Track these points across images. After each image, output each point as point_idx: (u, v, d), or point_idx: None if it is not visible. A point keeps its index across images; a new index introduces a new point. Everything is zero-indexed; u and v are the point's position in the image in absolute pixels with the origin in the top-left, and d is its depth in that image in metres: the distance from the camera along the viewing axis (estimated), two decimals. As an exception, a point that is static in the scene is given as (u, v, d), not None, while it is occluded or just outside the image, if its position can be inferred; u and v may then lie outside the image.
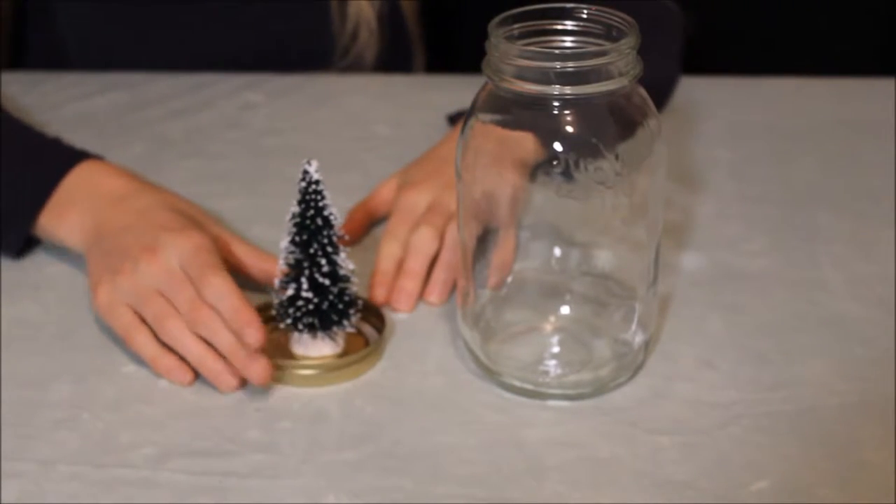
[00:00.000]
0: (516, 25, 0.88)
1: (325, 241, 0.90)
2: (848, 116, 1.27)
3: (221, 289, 0.91)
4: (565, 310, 0.96)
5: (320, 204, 0.89)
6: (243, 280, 0.96)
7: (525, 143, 0.89)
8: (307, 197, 0.89)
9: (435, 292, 1.00)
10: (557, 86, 0.84)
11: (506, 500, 0.82)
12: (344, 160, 1.18)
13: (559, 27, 0.88)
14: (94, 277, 0.96)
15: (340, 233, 0.91)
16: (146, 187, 1.02)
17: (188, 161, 1.20)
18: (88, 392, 0.91)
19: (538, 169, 0.89)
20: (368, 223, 1.08)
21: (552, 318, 0.96)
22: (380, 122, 1.26)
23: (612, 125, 0.87)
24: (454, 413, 0.90)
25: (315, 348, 0.93)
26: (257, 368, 0.89)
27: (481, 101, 0.89)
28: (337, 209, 0.90)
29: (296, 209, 0.90)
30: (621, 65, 0.85)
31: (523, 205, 0.94)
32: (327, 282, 0.91)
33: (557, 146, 0.87)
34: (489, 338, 0.94)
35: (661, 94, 1.18)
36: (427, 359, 0.95)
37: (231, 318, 0.90)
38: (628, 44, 0.85)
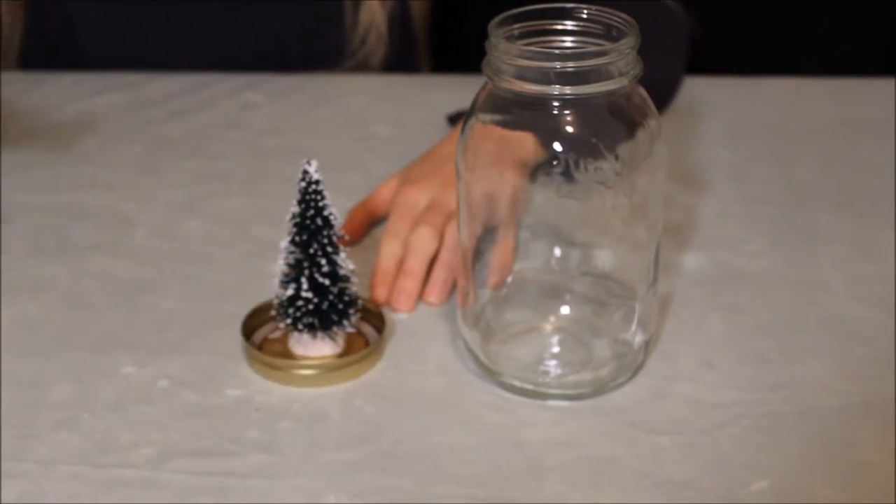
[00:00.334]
0: (516, 25, 0.88)
1: (325, 241, 0.90)
2: (848, 116, 1.27)
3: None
4: (565, 310, 0.96)
5: (320, 204, 0.89)
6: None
7: (525, 143, 0.89)
8: (307, 197, 0.89)
9: (434, 292, 1.00)
10: (557, 86, 0.84)
11: (506, 500, 0.82)
12: (344, 160, 1.18)
13: (559, 27, 0.88)
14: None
15: (340, 233, 0.91)
16: None
17: (188, 161, 1.19)
18: (88, 392, 0.91)
19: (538, 169, 0.89)
20: (368, 223, 1.08)
21: (552, 318, 0.96)
22: (380, 122, 1.26)
23: (612, 125, 0.87)
24: (454, 413, 0.90)
25: (315, 348, 0.93)
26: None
27: (481, 101, 0.88)
28: (337, 209, 0.90)
29: (296, 209, 0.90)
30: (621, 65, 0.85)
31: (523, 205, 0.94)
32: (327, 282, 0.91)
33: (557, 146, 0.87)
34: (489, 338, 0.94)
35: (662, 94, 1.17)
36: (427, 359, 0.95)
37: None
38: (628, 44, 0.85)
